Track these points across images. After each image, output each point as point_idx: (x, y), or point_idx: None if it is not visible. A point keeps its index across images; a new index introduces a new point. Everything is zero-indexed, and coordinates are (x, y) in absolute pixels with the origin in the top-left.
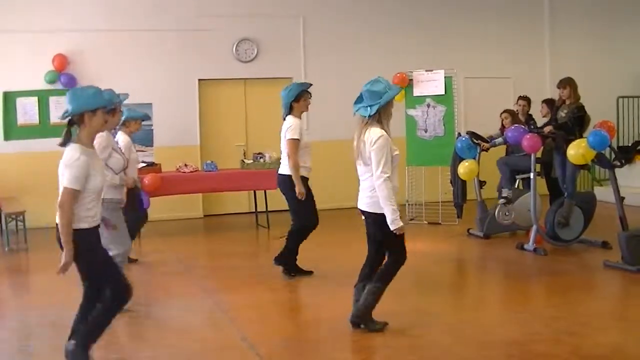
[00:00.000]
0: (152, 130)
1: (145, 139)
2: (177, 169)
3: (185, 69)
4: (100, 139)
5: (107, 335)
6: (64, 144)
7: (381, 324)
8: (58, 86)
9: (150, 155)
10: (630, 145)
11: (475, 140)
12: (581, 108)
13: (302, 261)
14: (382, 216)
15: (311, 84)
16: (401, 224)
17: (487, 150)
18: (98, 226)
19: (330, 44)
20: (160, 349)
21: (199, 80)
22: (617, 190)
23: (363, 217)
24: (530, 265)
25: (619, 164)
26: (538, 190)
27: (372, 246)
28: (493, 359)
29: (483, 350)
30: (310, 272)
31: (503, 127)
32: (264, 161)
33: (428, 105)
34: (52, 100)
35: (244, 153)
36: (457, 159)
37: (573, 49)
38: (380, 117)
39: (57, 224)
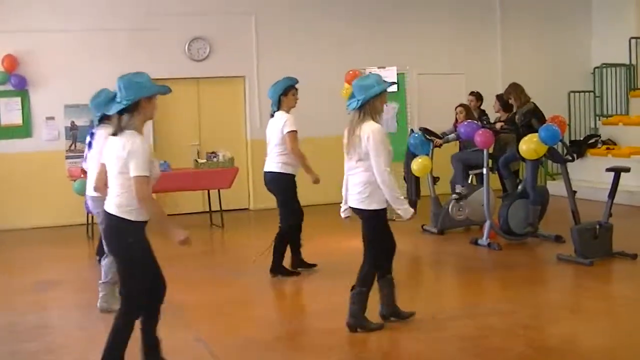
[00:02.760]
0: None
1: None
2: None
3: (137, 68)
4: None
5: (63, 338)
6: (115, 133)
7: (377, 324)
8: (8, 87)
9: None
10: (581, 139)
11: (428, 137)
12: (527, 114)
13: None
14: (370, 212)
15: (297, 80)
16: (412, 211)
17: (440, 146)
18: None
19: (283, 42)
20: None
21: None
22: (569, 184)
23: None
24: (484, 260)
25: (570, 158)
26: (491, 186)
27: None
28: (447, 354)
29: (437, 345)
30: (297, 273)
31: (457, 122)
32: (218, 160)
33: None
34: (2, 101)
35: (198, 152)
36: (410, 156)
37: (524, 44)
38: (369, 111)
39: (107, 220)
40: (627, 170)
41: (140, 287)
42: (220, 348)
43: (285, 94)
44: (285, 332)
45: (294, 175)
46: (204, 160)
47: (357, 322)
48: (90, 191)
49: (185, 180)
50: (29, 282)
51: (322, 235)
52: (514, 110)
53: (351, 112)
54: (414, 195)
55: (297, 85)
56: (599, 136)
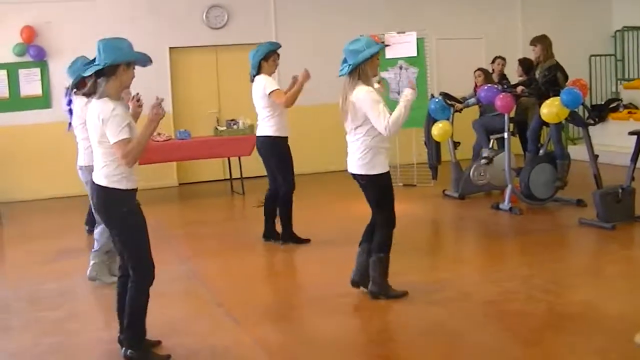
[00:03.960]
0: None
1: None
2: (150, 138)
3: (156, 37)
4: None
5: (84, 306)
6: (89, 94)
7: (400, 292)
8: (27, 58)
9: None
10: (603, 103)
11: (448, 102)
12: (552, 68)
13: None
14: (373, 177)
15: (280, 45)
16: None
17: (460, 111)
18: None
19: (302, 7)
20: None
21: (170, 48)
22: (591, 148)
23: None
24: (505, 225)
25: (592, 122)
26: (512, 150)
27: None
28: (468, 319)
29: (459, 310)
30: (307, 240)
31: (477, 87)
32: (237, 128)
33: (400, 67)
34: (22, 72)
35: (217, 120)
36: (431, 121)
37: (545, 8)
38: (359, 76)
39: (97, 192)
40: None
41: (145, 253)
42: (242, 314)
43: (266, 59)
44: (307, 299)
45: (287, 138)
46: (224, 128)
47: (380, 290)
48: (80, 160)
49: (206, 148)
50: (49, 250)
51: (332, 203)
52: (535, 63)
53: (343, 77)
54: (434, 160)
55: (312, 52)
56: (621, 100)
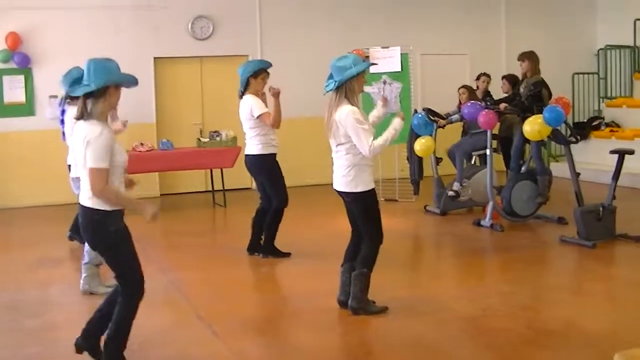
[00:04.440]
0: None
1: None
2: (133, 148)
3: (141, 47)
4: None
5: (64, 315)
6: (80, 117)
7: (380, 307)
8: (11, 65)
9: None
10: (585, 121)
11: (431, 117)
12: (538, 84)
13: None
14: (358, 195)
15: (271, 65)
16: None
17: (443, 127)
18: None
19: (287, 20)
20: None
21: (155, 58)
22: (572, 166)
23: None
24: (486, 241)
25: (574, 140)
26: (494, 167)
27: (355, 225)
28: (448, 335)
29: (438, 326)
30: (288, 254)
31: (460, 103)
32: (221, 139)
33: (384, 82)
34: (6, 79)
35: (200, 131)
36: (414, 136)
37: (529, 25)
38: (346, 93)
39: (82, 213)
40: (631, 152)
41: (133, 269)
42: (222, 326)
43: (255, 76)
44: (285, 311)
45: (274, 154)
46: (207, 140)
47: (360, 305)
48: (73, 172)
49: (188, 159)
50: (31, 259)
51: (316, 216)
52: (521, 78)
53: (328, 93)
54: (416, 176)
55: (296, 65)
56: (603, 118)
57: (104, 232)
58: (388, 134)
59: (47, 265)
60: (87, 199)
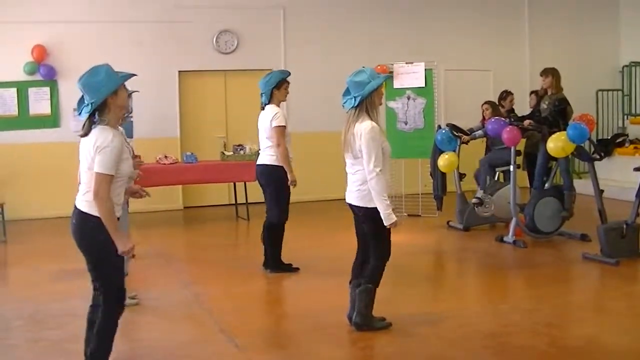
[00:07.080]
0: (132, 121)
1: (125, 131)
2: (157, 161)
3: (166, 60)
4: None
5: (84, 326)
6: (85, 135)
7: (384, 322)
8: (37, 77)
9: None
10: (609, 138)
11: (455, 133)
12: (562, 100)
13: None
14: (371, 210)
15: (290, 73)
16: (395, 218)
17: (467, 142)
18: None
19: (311, 35)
20: (138, 342)
21: (179, 71)
22: (596, 183)
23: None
24: (509, 257)
25: (598, 157)
26: (518, 183)
27: (362, 241)
28: (469, 351)
29: (460, 342)
30: (296, 269)
31: (484, 119)
32: (244, 153)
33: (408, 98)
34: (32, 91)
35: (224, 145)
36: (437, 152)
37: (553, 41)
38: (366, 107)
39: (77, 217)
40: None
41: (116, 281)
42: (244, 340)
43: (278, 88)
44: (310, 326)
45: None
46: (231, 153)
47: (364, 321)
48: None
49: (212, 172)
50: (54, 270)
51: (336, 231)
52: (544, 95)
53: (348, 110)
54: (440, 191)
55: (320, 79)
56: (627, 135)
57: (94, 239)
58: (382, 206)
59: (69, 277)
60: (83, 202)
